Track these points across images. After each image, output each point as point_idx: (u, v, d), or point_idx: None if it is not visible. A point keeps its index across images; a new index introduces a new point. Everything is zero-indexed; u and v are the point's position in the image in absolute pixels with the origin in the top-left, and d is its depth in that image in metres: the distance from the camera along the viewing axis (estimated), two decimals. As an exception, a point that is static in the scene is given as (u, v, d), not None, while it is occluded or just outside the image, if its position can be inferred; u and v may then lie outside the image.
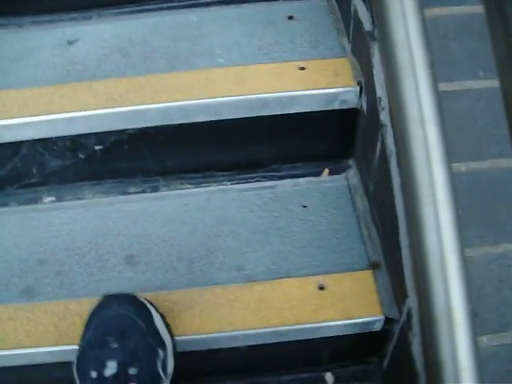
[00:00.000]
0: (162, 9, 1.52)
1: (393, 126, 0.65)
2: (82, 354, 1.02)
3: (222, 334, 1.16)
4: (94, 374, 0.98)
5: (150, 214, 1.32)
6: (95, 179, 1.39)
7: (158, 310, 1.10)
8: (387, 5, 0.65)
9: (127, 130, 1.28)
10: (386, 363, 1.24)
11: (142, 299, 1.08)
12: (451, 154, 1.08)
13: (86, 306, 1.16)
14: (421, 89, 0.61)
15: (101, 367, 0.97)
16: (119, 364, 0.97)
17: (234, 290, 1.20)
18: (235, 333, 1.16)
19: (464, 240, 0.99)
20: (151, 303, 1.10)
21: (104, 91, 1.29)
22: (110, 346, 0.99)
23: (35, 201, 1.38)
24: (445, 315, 0.58)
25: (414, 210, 0.60)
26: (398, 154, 0.66)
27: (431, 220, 0.58)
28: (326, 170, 1.40)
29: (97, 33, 1.44)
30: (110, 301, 1.06)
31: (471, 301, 0.99)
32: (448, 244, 0.58)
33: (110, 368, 0.97)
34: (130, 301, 1.07)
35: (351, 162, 1.40)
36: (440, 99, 0.95)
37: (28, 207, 1.37)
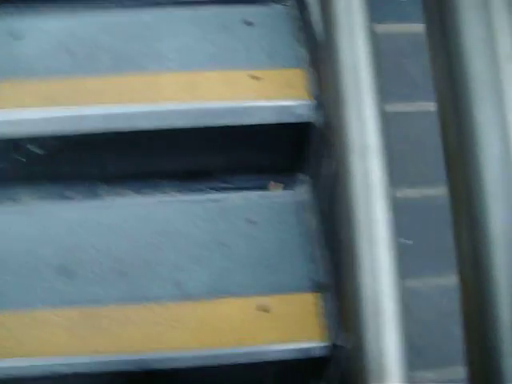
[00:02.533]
0: (116, 7, 1.45)
1: (334, 153, 0.59)
2: None
3: (159, 355, 1.11)
4: None
5: (88, 222, 1.25)
6: (35, 184, 1.30)
7: None
8: (334, 19, 0.60)
9: (68, 133, 1.21)
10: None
11: None
12: (404, 179, 1.04)
13: (12, 318, 1.11)
14: (365, 117, 0.56)
15: None
16: None
17: (172, 307, 1.14)
18: (172, 354, 1.11)
19: (413, 270, 0.95)
20: None
21: (45, 91, 1.21)
22: None
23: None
24: (377, 364, 0.53)
25: (349, 246, 0.54)
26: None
27: (367, 261, 0.52)
28: (278, 185, 1.34)
29: (44, 29, 1.36)
30: None
31: (416, 336, 0.95)
32: (384, 288, 0.53)
33: None
34: None
35: (304, 177, 1.34)
36: (395, 122, 0.90)
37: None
